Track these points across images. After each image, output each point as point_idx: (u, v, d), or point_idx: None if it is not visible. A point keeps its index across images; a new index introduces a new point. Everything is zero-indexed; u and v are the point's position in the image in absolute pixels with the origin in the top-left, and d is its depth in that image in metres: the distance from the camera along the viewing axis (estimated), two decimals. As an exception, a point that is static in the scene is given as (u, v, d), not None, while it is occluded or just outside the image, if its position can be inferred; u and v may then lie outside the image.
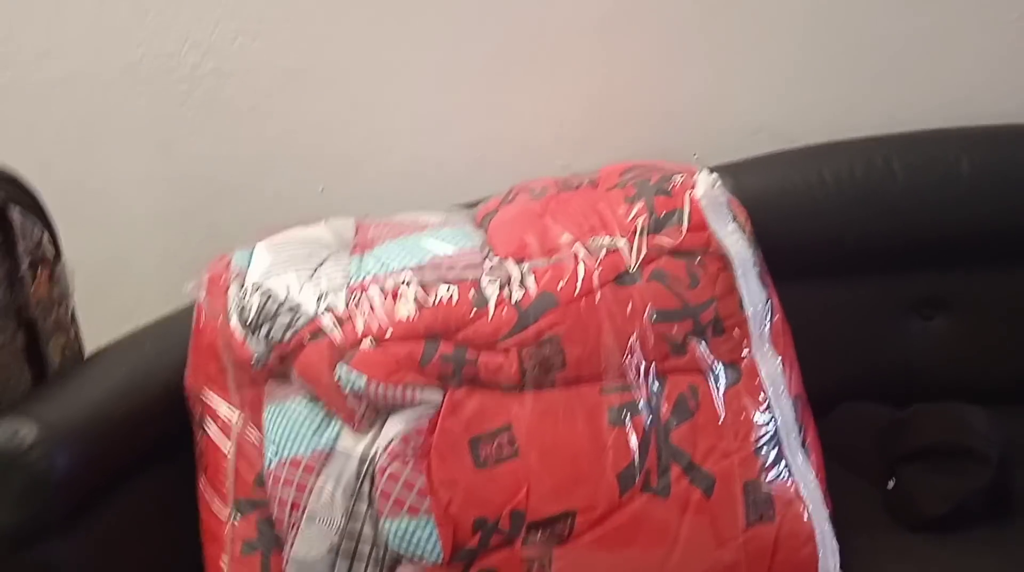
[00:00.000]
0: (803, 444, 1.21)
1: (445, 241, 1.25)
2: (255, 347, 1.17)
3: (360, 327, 1.15)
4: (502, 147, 1.64)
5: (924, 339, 1.48)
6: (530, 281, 1.18)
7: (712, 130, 1.60)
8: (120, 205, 1.71)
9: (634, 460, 1.13)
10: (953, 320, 1.48)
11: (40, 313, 1.21)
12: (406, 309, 1.15)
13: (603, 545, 1.12)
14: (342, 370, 1.13)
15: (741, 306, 1.21)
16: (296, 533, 1.13)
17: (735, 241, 1.22)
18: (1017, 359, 1.46)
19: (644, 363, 1.17)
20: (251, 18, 1.59)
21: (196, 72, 1.62)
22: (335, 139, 1.66)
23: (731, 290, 1.21)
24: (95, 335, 1.33)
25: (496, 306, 1.16)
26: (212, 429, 1.20)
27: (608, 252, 1.20)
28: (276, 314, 1.16)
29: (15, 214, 1.19)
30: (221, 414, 1.20)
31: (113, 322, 1.31)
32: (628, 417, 1.15)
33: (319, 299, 1.17)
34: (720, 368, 1.20)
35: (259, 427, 1.17)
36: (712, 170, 1.27)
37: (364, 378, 1.12)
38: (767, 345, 1.23)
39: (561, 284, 1.17)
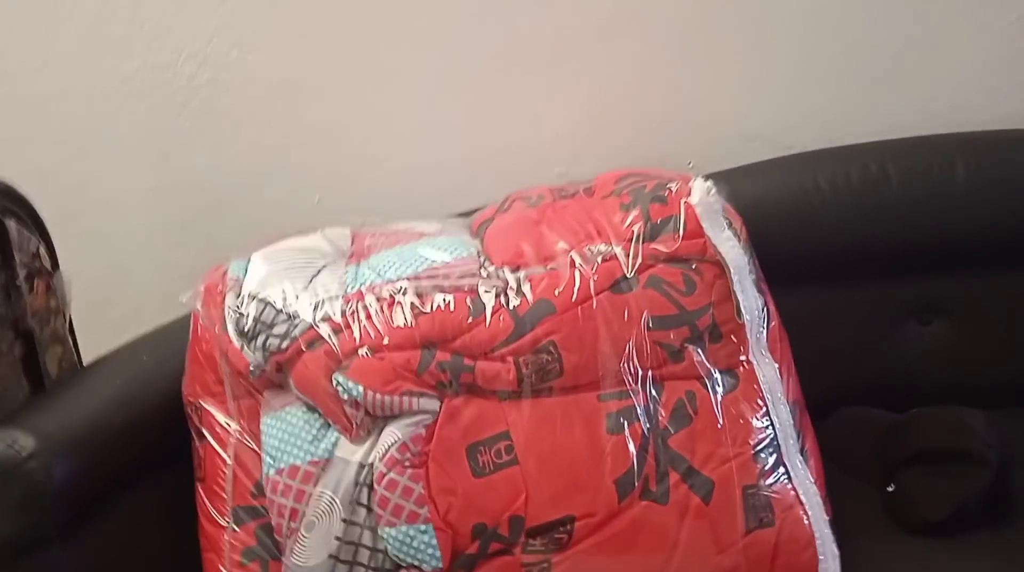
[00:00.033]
0: (802, 449, 1.21)
1: (441, 250, 1.25)
2: (252, 356, 1.17)
3: (357, 336, 1.15)
4: (498, 156, 1.64)
5: (922, 344, 1.48)
6: (527, 289, 1.18)
7: (707, 137, 1.60)
8: (117, 215, 1.71)
9: (632, 466, 1.13)
10: (950, 324, 1.48)
11: (37, 324, 1.21)
12: (402, 317, 1.15)
13: (603, 551, 1.12)
14: (339, 379, 1.13)
15: (738, 312, 1.21)
16: (295, 541, 1.13)
17: (731, 248, 1.22)
18: (1015, 362, 1.46)
19: (641, 370, 1.17)
20: (247, 29, 1.59)
21: (192, 83, 1.62)
22: (331, 149, 1.66)
23: (727, 296, 1.21)
24: (93, 345, 1.33)
25: (493, 314, 1.16)
26: (210, 438, 1.20)
27: (604, 259, 1.20)
28: (273, 323, 1.17)
29: (11, 225, 1.19)
30: (219, 423, 1.19)
31: (111, 332, 1.30)
32: (626, 424, 1.15)
33: (315, 308, 1.17)
34: (718, 374, 1.20)
35: (257, 436, 1.17)
36: (707, 177, 1.26)
37: (361, 387, 1.12)
38: (764, 351, 1.23)
39: (558, 291, 1.17)
